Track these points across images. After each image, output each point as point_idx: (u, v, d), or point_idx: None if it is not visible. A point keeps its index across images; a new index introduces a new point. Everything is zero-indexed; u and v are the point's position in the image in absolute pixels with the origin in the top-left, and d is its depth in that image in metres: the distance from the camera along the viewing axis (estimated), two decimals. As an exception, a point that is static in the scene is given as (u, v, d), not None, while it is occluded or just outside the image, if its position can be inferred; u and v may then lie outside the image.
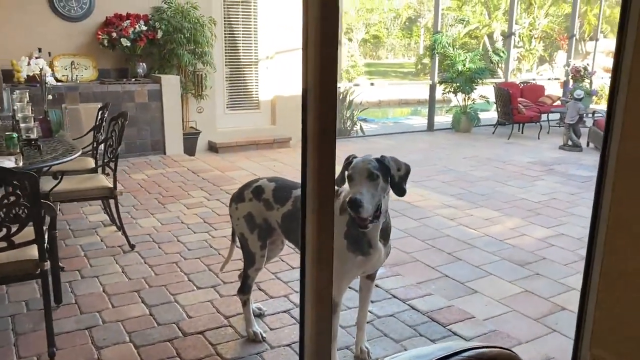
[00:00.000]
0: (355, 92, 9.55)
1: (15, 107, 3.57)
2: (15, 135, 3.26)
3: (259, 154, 7.60)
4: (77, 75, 6.64)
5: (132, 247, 3.90)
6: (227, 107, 8.02)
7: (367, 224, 2.12)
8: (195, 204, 5.00)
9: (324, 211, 1.41)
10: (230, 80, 7.95)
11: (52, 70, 6.50)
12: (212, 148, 7.70)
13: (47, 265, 2.54)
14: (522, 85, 10.62)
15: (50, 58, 6.54)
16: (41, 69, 4.05)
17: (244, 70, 8.08)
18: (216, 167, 6.63)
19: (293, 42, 8.06)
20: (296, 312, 3.02)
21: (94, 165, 4.32)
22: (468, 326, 2.94)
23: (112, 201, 4.08)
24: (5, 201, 2.32)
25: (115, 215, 4.03)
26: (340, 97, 9.15)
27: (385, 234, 2.31)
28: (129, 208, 4.82)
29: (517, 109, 9.22)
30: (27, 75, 5.99)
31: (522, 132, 9.64)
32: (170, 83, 6.87)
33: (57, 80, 6.45)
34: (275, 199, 2.53)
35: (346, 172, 2.14)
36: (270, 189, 2.56)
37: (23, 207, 2.40)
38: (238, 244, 2.74)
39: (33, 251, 2.51)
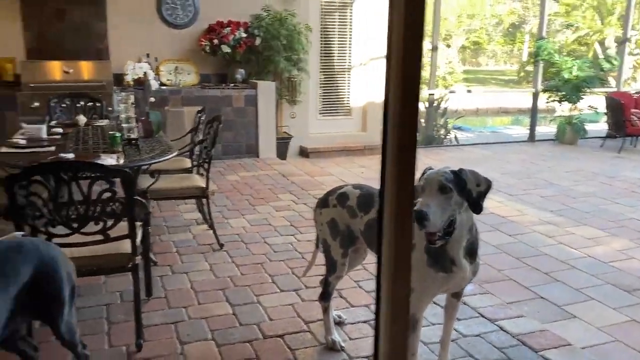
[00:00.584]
0: (450, 100, 9.26)
1: (119, 108, 3.80)
2: (118, 134, 3.47)
3: (349, 160, 7.58)
4: (180, 80, 6.99)
5: (221, 246, 4.01)
6: (319, 113, 8.09)
7: (435, 240, 2.00)
8: (283, 207, 5.06)
9: (402, 222, 1.34)
10: (323, 87, 8.02)
11: (158, 74, 6.91)
12: (303, 153, 7.80)
13: (139, 259, 2.66)
14: (636, 95, 9.76)
15: (156, 63, 6.96)
16: (145, 73, 4.28)
17: (336, 77, 8.12)
18: (306, 171, 6.69)
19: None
20: (377, 324, 2.93)
21: (190, 166, 4.50)
22: (563, 354, 2.70)
23: (204, 200, 4.25)
24: (103, 197, 2.46)
25: (207, 215, 4.17)
26: (434, 104, 8.92)
27: (471, 251, 2.17)
28: (222, 208, 4.98)
29: (630, 120, 8.48)
30: (134, 79, 6.43)
31: (635, 146, 8.86)
32: (266, 89, 7.04)
33: (162, 84, 6.84)
34: (359, 206, 2.47)
35: (419, 184, 2.03)
36: (355, 196, 2.51)
37: (118, 203, 2.53)
38: (322, 249, 2.72)
39: (126, 245, 2.64)
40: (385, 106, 1.26)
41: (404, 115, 1.25)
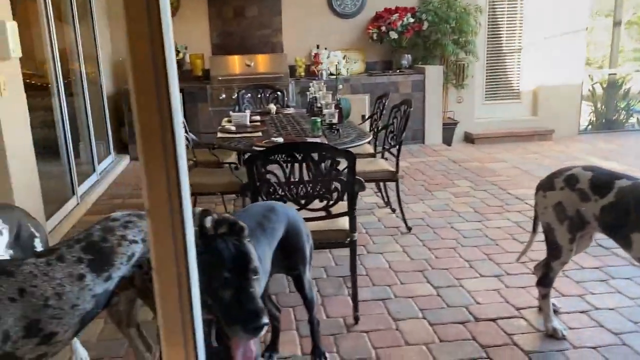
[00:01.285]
0: (634, 80, 8.39)
1: (317, 96, 4.00)
2: (319, 119, 3.65)
3: (518, 147, 7.20)
4: (347, 69, 7.15)
5: (409, 229, 4.06)
6: (485, 98, 7.80)
7: None
8: (462, 193, 4.97)
9: None
10: (490, 70, 7.70)
11: (328, 65, 7.15)
12: (468, 139, 7.57)
13: (356, 236, 2.78)
14: None
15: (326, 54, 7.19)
16: (338, 62, 4.46)
17: (505, 59, 7.74)
18: (475, 158, 6.50)
19: (561, 27, 7.45)
20: (597, 315, 2.77)
21: (371, 151, 4.59)
22: None
23: (386, 185, 4.36)
24: (328, 176, 2.60)
25: (395, 198, 4.24)
26: (615, 85, 8.14)
27: None
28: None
29: None
30: (306, 70, 6.73)
31: None
32: (434, 73, 6.94)
33: (331, 74, 7.06)
34: (592, 189, 2.33)
35: None
36: (587, 179, 2.37)
37: (340, 182, 2.66)
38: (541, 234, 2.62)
39: (344, 222, 2.77)
40: None
41: None
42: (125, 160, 6.50)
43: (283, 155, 2.62)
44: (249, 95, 5.71)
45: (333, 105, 3.71)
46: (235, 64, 6.92)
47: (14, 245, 2.07)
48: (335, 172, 2.62)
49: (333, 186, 2.65)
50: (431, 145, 7.03)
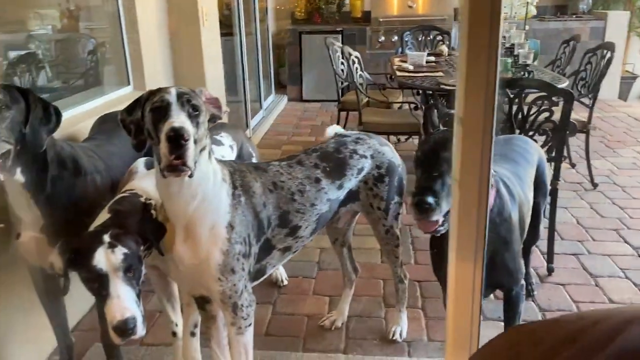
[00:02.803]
0: None
1: (508, 35, 3.76)
2: (509, 60, 3.43)
3: None
4: (515, 13, 6.65)
5: (595, 185, 3.75)
6: (673, 50, 6.87)
7: None
8: (651, 153, 4.49)
9: None
10: (684, 17, 6.74)
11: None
12: (647, 96, 6.78)
13: (559, 184, 2.61)
14: None
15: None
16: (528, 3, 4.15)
17: None
18: (658, 116, 5.81)
19: None
20: None
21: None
22: None
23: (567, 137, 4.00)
24: (542, 116, 2.44)
25: (574, 152, 3.93)
26: None
27: None
28: (575, 148, 4.64)
29: None
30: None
31: None
32: (616, 20, 6.23)
33: (497, 17, 6.62)
34: None
35: None
36: None
37: (552, 124, 2.48)
38: None
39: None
40: None
41: None
42: (284, 100, 6.71)
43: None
44: (410, 37, 5.54)
45: (527, 45, 3.45)
46: (395, 5, 6.71)
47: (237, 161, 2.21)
48: (549, 113, 2.44)
49: (542, 128, 2.49)
50: (605, 100, 6.38)
